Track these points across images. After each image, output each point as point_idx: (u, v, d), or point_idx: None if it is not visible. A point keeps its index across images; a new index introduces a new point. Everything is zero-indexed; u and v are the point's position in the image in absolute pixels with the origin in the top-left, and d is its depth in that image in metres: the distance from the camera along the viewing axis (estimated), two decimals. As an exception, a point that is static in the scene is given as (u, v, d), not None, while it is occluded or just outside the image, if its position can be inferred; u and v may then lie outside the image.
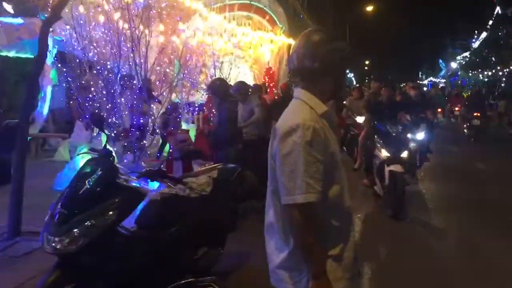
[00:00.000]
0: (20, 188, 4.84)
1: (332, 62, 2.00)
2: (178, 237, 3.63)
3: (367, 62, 72.51)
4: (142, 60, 5.62)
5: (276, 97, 12.78)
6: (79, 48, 7.11)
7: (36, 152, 10.51)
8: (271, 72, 16.23)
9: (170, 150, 6.31)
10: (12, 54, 10.38)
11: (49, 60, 10.15)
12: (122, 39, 5.97)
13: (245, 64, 14.75)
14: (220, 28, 11.64)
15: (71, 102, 9.73)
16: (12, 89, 10.59)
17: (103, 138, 6.88)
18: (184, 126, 11.10)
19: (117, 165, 3.43)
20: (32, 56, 10.15)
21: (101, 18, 6.88)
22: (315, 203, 1.87)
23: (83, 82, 7.36)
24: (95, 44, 7.02)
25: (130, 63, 5.77)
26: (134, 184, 3.31)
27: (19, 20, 9.67)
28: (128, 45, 5.67)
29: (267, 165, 2.07)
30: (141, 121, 5.85)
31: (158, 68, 7.49)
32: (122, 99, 6.50)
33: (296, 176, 1.86)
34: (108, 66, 6.51)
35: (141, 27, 5.80)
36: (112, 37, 6.05)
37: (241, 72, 13.02)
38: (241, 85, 6.98)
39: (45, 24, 5.37)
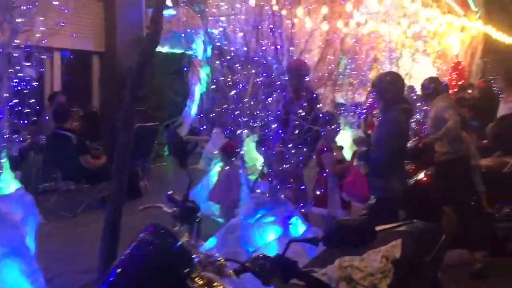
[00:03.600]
0: (114, 225, 3.47)
1: None
2: None
3: None
4: (284, 47, 3.92)
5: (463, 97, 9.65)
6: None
7: (183, 157, 9.73)
8: (459, 67, 13.27)
9: (324, 175, 4.52)
10: (165, 49, 9.73)
11: (202, 55, 9.20)
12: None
13: (427, 58, 12.20)
14: (399, 12, 9.38)
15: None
16: (164, 87, 9.94)
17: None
18: (347, 131, 9.44)
19: (196, 244, 1.73)
20: (183, 51, 9.37)
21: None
22: None
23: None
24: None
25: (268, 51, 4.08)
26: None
27: (171, 11, 8.90)
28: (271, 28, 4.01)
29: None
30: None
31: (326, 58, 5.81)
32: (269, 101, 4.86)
33: None
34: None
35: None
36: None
37: (421, 68, 10.67)
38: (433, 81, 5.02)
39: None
